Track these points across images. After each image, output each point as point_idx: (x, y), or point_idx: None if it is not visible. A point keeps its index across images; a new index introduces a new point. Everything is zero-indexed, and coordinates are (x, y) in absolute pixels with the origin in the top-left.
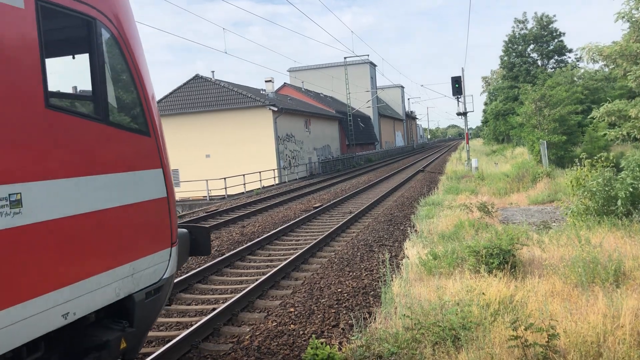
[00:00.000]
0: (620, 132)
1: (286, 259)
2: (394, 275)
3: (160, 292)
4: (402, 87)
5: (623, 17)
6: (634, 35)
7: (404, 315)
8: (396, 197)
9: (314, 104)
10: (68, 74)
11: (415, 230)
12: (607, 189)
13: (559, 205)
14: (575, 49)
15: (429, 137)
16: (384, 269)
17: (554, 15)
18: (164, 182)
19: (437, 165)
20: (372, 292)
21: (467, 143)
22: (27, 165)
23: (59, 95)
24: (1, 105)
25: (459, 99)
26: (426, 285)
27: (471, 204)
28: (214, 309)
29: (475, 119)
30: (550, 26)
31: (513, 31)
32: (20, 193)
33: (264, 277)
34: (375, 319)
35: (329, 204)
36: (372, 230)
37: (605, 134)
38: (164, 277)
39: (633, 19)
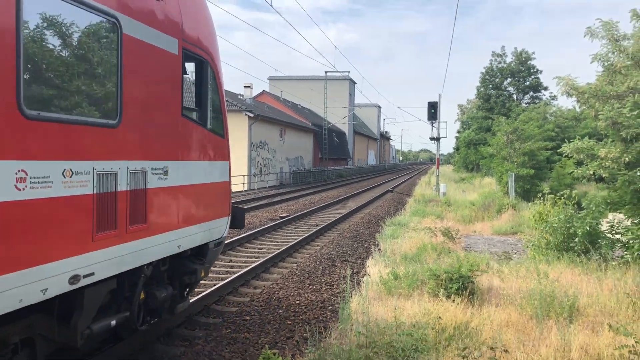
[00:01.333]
0: (586, 171)
1: (247, 266)
2: (353, 292)
3: (219, 245)
4: (379, 107)
5: (599, 59)
6: (608, 78)
7: (359, 332)
8: (363, 214)
9: (290, 114)
10: (187, 94)
11: (379, 249)
12: (567, 225)
13: (522, 238)
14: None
15: (400, 158)
16: (345, 285)
17: (533, 53)
18: (228, 171)
19: (406, 187)
20: (330, 307)
21: (438, 168)
22: (170, 151)
23: (186, 109)
24: (161, 115)
25: (434, 124)
26: (384, 305)
27: (436, 228)
28: None
29: (447, 145)
30: (528, 62)
31: (491, 64)
32: (168, 167)
33: (222, 283)
34: (330, 334)
35: (296, 215)
36: (336, 245)
37: (572, 172)
38: (223, 235)
39: (608, 63)
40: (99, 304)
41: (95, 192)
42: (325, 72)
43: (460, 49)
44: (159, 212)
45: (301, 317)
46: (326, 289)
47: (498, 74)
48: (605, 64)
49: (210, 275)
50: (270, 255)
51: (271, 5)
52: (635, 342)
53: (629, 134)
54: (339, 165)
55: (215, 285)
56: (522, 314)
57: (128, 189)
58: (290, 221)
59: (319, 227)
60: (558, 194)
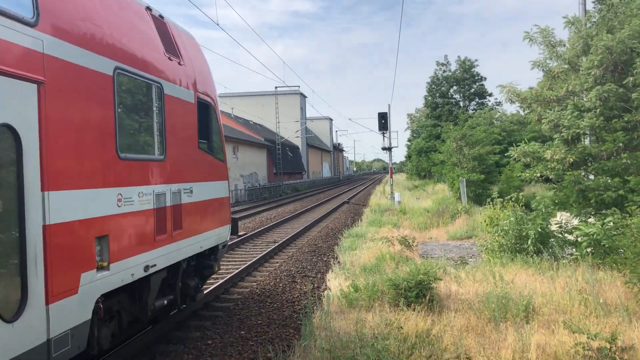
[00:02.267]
0: (534, 173)
1: (205, 289)
2: (315, 307)
3: (225, 247)
4: (331, 120)
5: (538, 65)
6: (547, 83)
7: (323, 348)
8: (321, 227)
9: (243, 130)
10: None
11: (339, 262)
12: (519, 227)
13: (476, 242)
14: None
15: (355, 169)
16: (306, 301)
17: (476, 60)
18: (227, 188)
19: (362, 198)
20: (292, 325)
21: (391, 177)
22: (193, 175)
23: (200, 142)
24: (187, 149)
25: (385, 134)
26: (346, 318)
27: (393, 237)
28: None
29: (399, 154)
30: (472, 70)
31: (436, 73)
32: (192, 187)
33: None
34: (294, 352)
35: (253, 232)
36: (295, 261)
37: (520, 175)
38: (227, 240)
39: (547, 69)
40: (158, 288)
41: (154, 207)
42: (276, 87)
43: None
44: (189, 221)
45: (263, 337)
46: (288, 306)
47: (444, 82)
48: (545, 69)
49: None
50: (229, 276)
51: (217, 24)
52: (588, 338)
53: (569, 135)
54: (294, 179)
55: (171, 312)
56: (480, 318)
57: (171, 204)
58: (248, 239)
59: (277, 244)
60: (506, 198)
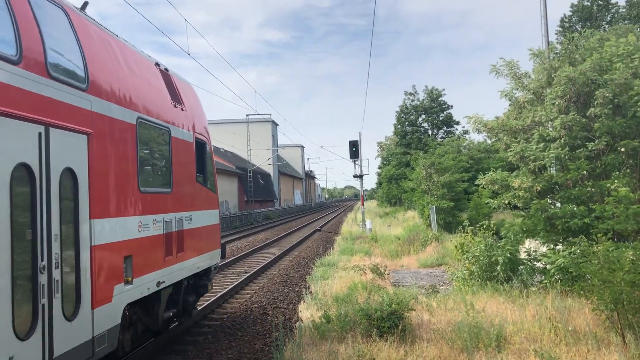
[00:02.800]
0: (502, 201)
1: (175, 322)
2: (286, 340)
3: (216, 269)
4: (303, 147)
5: (506, 95)
6: (514, 113)
7: None
8: (293, 256)
9: (215, 158)
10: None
11: (310, 292)
12: (489, 254)
13: (447, 270)
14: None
15: (326, 196)
16: (277, 333)
17: (443, 90)
18: (218, 216)
19: (333, 225)
20: (263, 358)
21: (363, 205)
22: (192, 204)
23: (197, 175)
24: (187, 182)
25: (356, 162)
26: (318, 350)
27: (365, 265)
28: None
29: (370, 181)
30: (439, 99)
31: (404, 102)
32: (191, 216)
33: (148, 342)
34: None
35: (223, 262)
36: (266, 292)
37: (488, 202)
38: (218, 261)
39: (513, 98)
40: (166, 302)
41: (163, 232)
42: (247, 115)
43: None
44: (189, 244)
45: None
46: (259, 338)
47: (412, 111)
48: (512, 99)
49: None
50: (200, 308)
51: (188, 54)
52: None
53: (535, 167)
54: (266, 207)
55: (144, 345)
56: (453, 348)
57: (176, 230)
58: (218, 269)
59: (248, 274)
60: (477, 225)
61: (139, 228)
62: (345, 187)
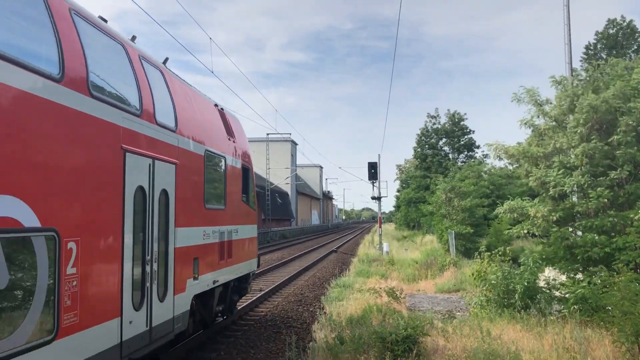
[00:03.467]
0: (521, 231)
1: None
2: None
3: (253, 275)
4: (321, 167)
5: (526, 123)
6: (535, 140)
7: None
8: (308, 276)
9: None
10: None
11: (325, 313)
12: (506, 282)
13: (464, 295)
14: (483, 145)
15: (343, 217)
16: (290, 353)
17: (465, 114)
18: (256, 230)
19: (350, 247)
20: None
21: (380, 227)
22: (238, 219)
23: (243, 195)
24: (236, 200)
25: (374, 184)
26: None
27: (380, 288)
28: None
29: (388, 204)
30: (461, 123)
31: (426, 125)
32: (238, 229)
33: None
34: None
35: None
36: (281, 311)
37: (508, 230)
38: (256, 269)
39: (534, 125)
40: (217, 298)
41: (218, 241)
42: (267, 134)
43: (396, 110)
44: (235, 252)
45: None
46: (271, 358)
47: (433, 134)
48: (532, 126)
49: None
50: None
51: (212, 72)
52: None
53: (556, 193)
54: (283, 226)
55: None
56: None
57: (226, 240)
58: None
59: (262, 292)
60: (493, 252)
61: (203, 236)
62: (363, 208)
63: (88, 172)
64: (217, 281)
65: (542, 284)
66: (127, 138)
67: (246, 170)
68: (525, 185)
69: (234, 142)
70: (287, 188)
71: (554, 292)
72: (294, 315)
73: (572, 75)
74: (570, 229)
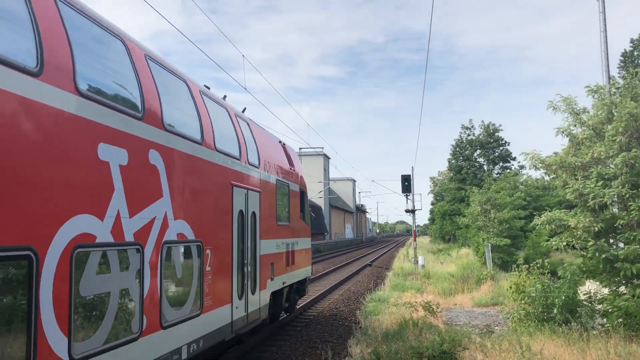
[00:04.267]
0: (560, 242)
1: (226, 353)
2: None
3: (308, 280)
4: (354, 181)
5: (562, 132)
6: (572, 149)
7: None
8: (343, 290)
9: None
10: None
11: (360, 327)
12: (546, 295)
13: (502, 309)
14: (519, 154)
15: (377, 231)
16: None
17: (500, 125)
18: (310, 242)
19: (384, 260)
20: None
21: (415, 240)
22: (297, 233)
23: (300, 213)
24: (296, 218)
25: (408, 197)
26: None
27: (416, 302)
28: None
29: (423, 217)
30: (496, 134)
31: (460, 136)
32: (297, 241)
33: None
34: None
35: None
36: (316, 325)
37: (547, 242)
38: (310, 275)
39: (571, 134)
40: (284, 296)
41: (285, 250)
42: (300, 149)
43: (429, 123)
44: (296, 260)
45: None
46: None
47: (468, 146)
48: (569, 135)
49: None
50: (250, 341)
51: (245, 88)
52: None
53: (595, 204)
54: (316, 240)
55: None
56: None
57: (291, 250)
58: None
59: (298, 307)
60: (531, 264)
61: (276, 246)
62: (397, 222)
63: (216, 202)
64: (285, 282)
65: (582, 297)
66: (233, 176)
67: (302, 193)
68: (561, 196)
69: (293, 170)
70: (320, 202)
71: (596, 305)
72: (330, 330)
73: (609, 83)
74: (611, 241)
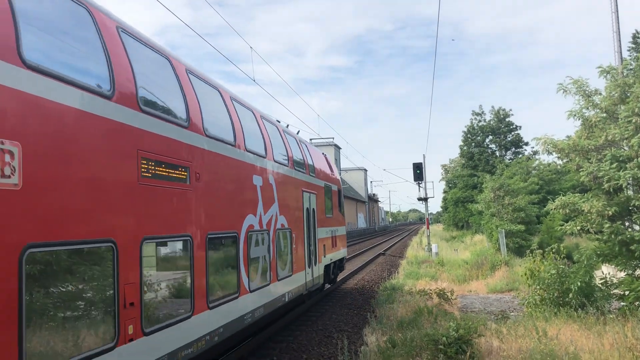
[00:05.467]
0: (574, 227)
1: (240, 346)
2: None
3: (344, 259)
4: (365, 170)
5: (574, 115)
6: (585, 132)
7: None
8: (357, 280)
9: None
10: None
11: (375, 316)
12: (561, 280)
13: (517, 295)
14: (531, 139)
15: (390, 220)
16: (342, 357)
17: (510, 110)
18: (345, 230)
19: (398, 249)
20: None
21: (428, 228)
22: (337, 223)
23: (338, 207)
24: (336, 211)
25: (420, 185)
26: None
27: (431, 290)
28: None
29: (435, 205)
30: (506, 119)
31: (471, 122)
32: (337, 229)
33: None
34: None
35: None
36: (331, 314)
37: (561, 227)
38: (346, 255)
39: (583, 117)
40: (331, 269)
41: (330, 235)
42: (310, 139)
43: (439, 109)
44: (337, 243)
45: None
46: None
47: (479, 132)
48: (581, 118)
49: None
50: (267, 331)
51: (254, 80)
52: None
53: (610, 187)
54: None
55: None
56: None
57: (332, 235)
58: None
59: (312, 297)
60: (546, 249)
61: (325, 233)
62: (410, 210)
63: (296, 203)
64: (331, 259)
65: (598, 281)
66: (303, 184)
67: (339, 191)
68: (575, 180)
69: (332, 174)
70: None
71: (612, 289)
72: (345, 319)
73: (622, 64)
74: (627, 224)
